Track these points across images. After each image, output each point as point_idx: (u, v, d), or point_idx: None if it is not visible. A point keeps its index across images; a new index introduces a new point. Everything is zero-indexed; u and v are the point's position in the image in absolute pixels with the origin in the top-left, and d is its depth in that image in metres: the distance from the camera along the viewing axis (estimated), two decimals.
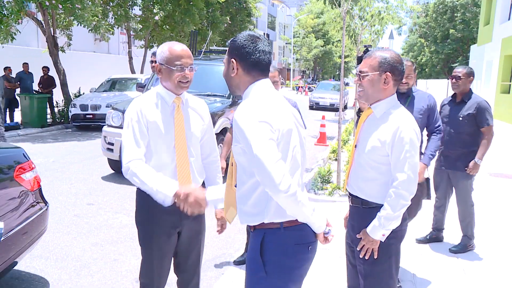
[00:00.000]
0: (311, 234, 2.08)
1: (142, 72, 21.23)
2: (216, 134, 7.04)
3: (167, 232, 2.64)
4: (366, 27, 20.81)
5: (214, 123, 7.22)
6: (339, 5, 9.02)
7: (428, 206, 4.68)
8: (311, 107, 25.24)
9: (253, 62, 2.03)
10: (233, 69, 2.06)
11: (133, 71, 20.94)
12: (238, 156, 2.01)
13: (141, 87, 9.36)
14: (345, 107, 24.76)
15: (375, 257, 2.48)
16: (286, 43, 69.29)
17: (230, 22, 26.62)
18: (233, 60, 2.06)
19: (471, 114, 4.46)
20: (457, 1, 47.14)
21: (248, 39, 2.04)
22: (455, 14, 47.53)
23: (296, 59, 65.52)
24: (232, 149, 2.04)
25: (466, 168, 4.50)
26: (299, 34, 61.38)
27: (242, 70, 2.04)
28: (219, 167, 2.90)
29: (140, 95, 2.67)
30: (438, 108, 4.37)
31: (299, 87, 50.85)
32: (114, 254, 4.66)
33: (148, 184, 2.38)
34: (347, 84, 27.79)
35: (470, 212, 4.66)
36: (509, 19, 20.34)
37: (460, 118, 4.50)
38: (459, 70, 4.54)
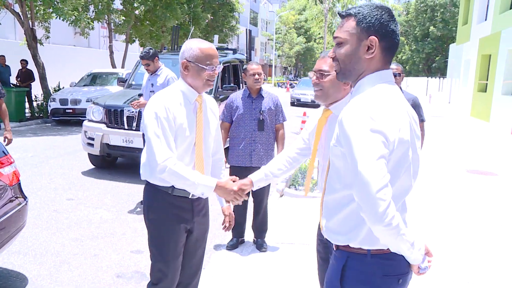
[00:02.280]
0: (404, 264, 1.73)
1: (123, 66, 21.01)
2: None
3: (181, 229, 2.61)
4: None
5: None
6: (321, 2, 9.08)
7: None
8: (292, 104, 25.34)
9: (394, 45, 1.69)
10: (368, 50, 1.68)
11: (114, 66, 20.71)
12: (336, 159, 1.75)
13: (123, 81, 9.31)
14: None
15: None
16: (268, 40, 69.33)
17: (212, 17, 26.54)
18: (373, 38, 1.66)
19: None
20: (437, 0, 47.77)
21: (385, 13, 1.67)
22: (435, 14, 48.19)
23: (278, 56, 65.63)
24: (330, 147, 1.79)
25: None
26: (281, 30, 61.52)
27: (380, 53, 1.68)
28: (224, 164, 2.96)
29: (166, 90, 2.57)
30: None
31: (281, 83, 51.01)
32: (95, 250, 4.63)
33: (190, 179, 2.38)
34: None
35: None
36: (485, 19, 20.69)
37: None
38: None
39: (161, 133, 2.39)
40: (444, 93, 30.83)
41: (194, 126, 2.55)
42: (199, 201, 2.68)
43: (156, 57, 5.96)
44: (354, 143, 1.54)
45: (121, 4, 19.58)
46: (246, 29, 10.02)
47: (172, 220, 2.58)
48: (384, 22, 1.66)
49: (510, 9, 17.65)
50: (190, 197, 2.59)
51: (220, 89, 8.50)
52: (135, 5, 19.10)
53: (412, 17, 53.20)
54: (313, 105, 23.85)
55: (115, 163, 8.54)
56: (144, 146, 2.66)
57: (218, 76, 8.29)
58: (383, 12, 1.68)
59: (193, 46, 2.48)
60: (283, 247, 4.70)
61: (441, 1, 47.64)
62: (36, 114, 15.00)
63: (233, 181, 2.50)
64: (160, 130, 2.39)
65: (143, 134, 6.02)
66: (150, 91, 5.92)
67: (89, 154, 8.00)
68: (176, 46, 10.41)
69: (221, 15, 28.16)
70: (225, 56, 9.56)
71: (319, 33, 54.48)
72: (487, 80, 19.90)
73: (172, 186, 2.52)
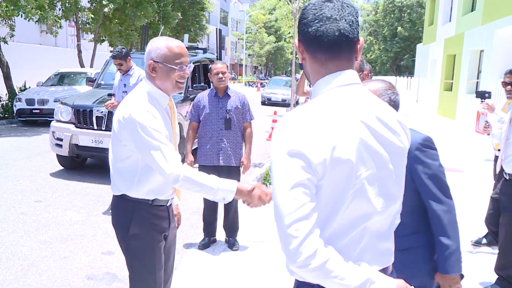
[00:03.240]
0: None
1: (92, 66, 20.67)
2: None
3: (162, 239, 2.49)
4: None
5: None
6: (291, 2, 9.16)
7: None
8: (263, 103, 25.45)
9: (312, 38, 1.36)
10: (299, 53, 1.45)
11: (82, 65, 20.38)
12: None
13: (91, 81, 9.19)
14: (297, 103, 25.09)
15: None
16: (238, 39, 69.33)
17: (182, 17, 26.38)
18: (297, 39, 1.44)
19: None
20: (404, 1, 48.78)
21: (312, 6, 1.38)
22: (403, 14, 49.18)
23: (249, 55, 65.72)
24: None
25: None
26: (252, 30, 61.65)
27: (307, 52, 1.41)
28: None
29: (131, 96, 2.33)
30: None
31: (252, 82, 51.13)
32: (64, 252, 4.57)
33: (208, 185, 2.18)
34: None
35: None
36: (450, 20, 21.21)
37: None
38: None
39: (163, 141, 2.18)
40: (412, 91, 31.43)
41: (171, 132, 2.40)
42: (172, 207, 2.59)
43: (129, 57, 5.93)
44: (272, 169, 1.31)
45: (88, 2, 19.24)
46: (216, 29, 10.01)
47: (155, 231, 2.43)
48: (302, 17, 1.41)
49: (472, 11, 18.17)
50: (167, 204, 2.50)
51: (190, 89, 8.49)
52: (104, 3, 18.79)
53: (380, 17, 54.12)
54: (283, 104, 24.00)
55: (84, 164, 8.41)
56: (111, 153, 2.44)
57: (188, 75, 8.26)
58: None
59: (160, 45, 2.29)
60: (254, 246, 4.74)
61: (408, 2, 48.67)
62: (0, 115, 14.61)
63: (253, 188, 2.23)
64: (162, 139, 2.18)
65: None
66: (123, 92, 5.87)
67: (57, 155, 7.87)
68: (145, 45, 10.33)
69: (191, 14, 28.02)
70: (195, 55, 9.55)
71: (289, 33, 54.83)
72: (452, 79, 20.42)
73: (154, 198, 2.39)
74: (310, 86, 5.21)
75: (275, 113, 13.77)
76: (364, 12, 59.82)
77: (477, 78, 17.42)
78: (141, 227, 2.39)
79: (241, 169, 4.70)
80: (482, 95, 5.34)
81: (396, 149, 1.42)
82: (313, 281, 1.31)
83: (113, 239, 4.85)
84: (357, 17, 1.40)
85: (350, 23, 1.35)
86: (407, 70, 50.05)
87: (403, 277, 1.45)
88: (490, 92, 5.37)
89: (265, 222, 5.40)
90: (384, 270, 1.44)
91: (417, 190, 2.15)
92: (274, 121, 12.98)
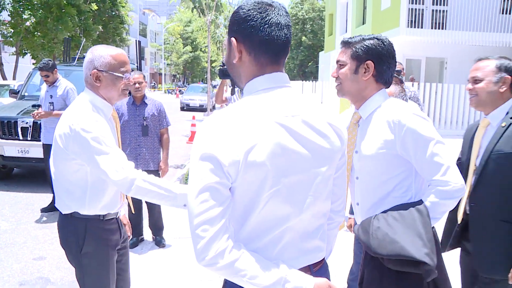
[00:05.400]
0: None
1: (14, 78, 19.54)
2: None
3: (115, 253, 2.29)
4: None
5: None
6: (204, 15, 9.30)
7: None
8: (182, 109, 25.37)
9: (262, 42, 1.32)
10: (234, 53, 1.36)
11: (4, 78, 19.26)
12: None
13: (15, 93, 8.80)
14: (213, 108, 25.29)
15: None
16: (157, 50, 68.31)
17: (103, 30, 25.66)
18: (233, 39, 1.36)
19: None
20: (306, 14, 50.89)
21: (254, 8, 1.32)
22: (305, 26, 51.20)
23: (167, 64, 64.99)
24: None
25: None
26: (169, 41, 61.14)
27: (248, 54, 1.34)
28: None
29: (73, 107, 2.12)
30: None
31: (171, 90, 50.64)
32: None
33: (167, 188, 1.97)
34: (214, 87, 28.46)
35: None
36: (346, 31, 22.54)
37: None
38: None
39: (113, 149, 2.01)
40: (317, 94, 32.88)
41: (116, 143, 2.23)
42: (119, 218, 2.38)
43: (55, 69, 5.82)
44: (190, 171, 1.29)
45: (9, 15, 18.10)
46: (136, 40, 9.91)
47: (108, 247, 2.24)
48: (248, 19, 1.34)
49: (363, 24, 19.58)
50: (117, 217, 2.32)
51: None
52: (25, 16, 17.77)
53: None
54: (200, 109, 24.08)
55: (11, 174, 7.97)
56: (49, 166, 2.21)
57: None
58: None
59: (102, 53, 2.10)
60: (181, 242, 4.84)
61: (310, 15, 50.78)
62: None
63: None
64: (110, 146, 2.00)
65: (44, 145, 5.77)
66: (49, 103, 5.72)
67: None
68: (68, 57, 9.97)
69: (112, 27, 27.40)
70: None
71: (204, 43, 54.89)
72: None
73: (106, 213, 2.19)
74: (240, 92, 5.39)
75: (193, 117, 13.85)
76: None
77: None
78: (95, 244, 2.18)
79: (160, 173, 4.76)
80: None
81: (322, 151, 1.37)
82: (228, 278, 1.32)
83: (44, 245, 4.74)
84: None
85: (290, 28, 1.36)
86: (312, 75, 52.00)
87: None
88: None
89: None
90: (310, 267, 1.42)
91: None
92: (193, 125, 13.07)
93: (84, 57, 2.24)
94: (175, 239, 4.87)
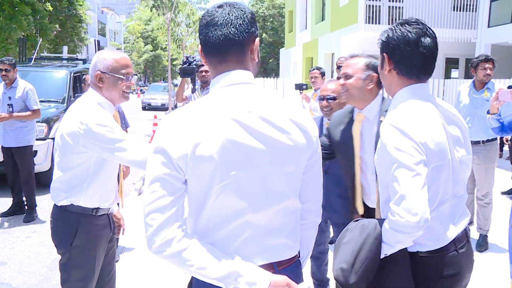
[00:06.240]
0: None
1: None
2: (52, 138, 6.75)
3: (103, 248, 2.37)
4: (192, 33, 21.22)
5: (50, 128, 6.95)
6: (164, 14, 9.22)
7: None
8: (143, 108, 24.97)
9: (201, 42, 1.44)
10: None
11: None
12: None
13: None
14: (175, 106, 25.07)
15: None
16: (117, 49, 66.96)
17: (60, 29, 24.81)
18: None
19: None
20: (267, 11, 51.19)
21: (207, 12, 1.43)
22: (266, 23, 51.50)
23: None
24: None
25: None
26: (129, 40, 60.08)
27: (203, 56, 1.45)
28: None
29: (79, 105, 2.22)
30: None
31: (132, 89, 49.92)
32: None
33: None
34: (176, 86, 28.04)
35: None
36: (306, 28, 22.83)
37: None
38: None
39: (123, 135, 2.11)
40: (279, 90, 33.17)
41: None
42: (111, 214, 2.47)
43: (16, 68, 5.67)
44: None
45: None
46: (95, 40, 9.76)
47: (98, 242, 2.31)
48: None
49: (322, 20, 19.89)
50: (108, 213, 2.40)
51: (72, 98, 8.18)
52: None
53: None
54: (162, 108, 23.83)
55: None
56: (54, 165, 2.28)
57: (69, 85, 7.99)
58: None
59: (106, 56, 2.23)
60: (140, 240, 4.80)
61: (270, 12, 51.07)
62: None
63: None
64: (121, 134, 2.10)
65: (3, 148, 5.57)
66: (8, 104, 5.50)
67: None
68: (24, 58, 9.63)
69: (70, 26, 26.51)
70: (76, 66, 9.19)
71: (165, 41, 54.28)
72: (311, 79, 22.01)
73: (98, 207, 2.27)
74: (200, 91, 5.40)
75: (155, 117, 13.71)
76: None
77: (331, 77, 19.06)
78: (85, 238, 2.26)
79: (121, 175, 4.70)
80: (300, 87, 6.22)
81: (282, 146, 1.36)
82: (178, 267, 1.34)
83: (4, 250, 4.61)
84: (248, 18, 1.39)
85: (237, 26, 1.35)
86: (273, 71, 52.36)
87: None
88: (306, 85, 6.21)
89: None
90: (273, 265, 1.40)
91: None
92: (155, 124, 12.95)
93: (41, 57, 2.28)
94: (138, 238, 4.83)
